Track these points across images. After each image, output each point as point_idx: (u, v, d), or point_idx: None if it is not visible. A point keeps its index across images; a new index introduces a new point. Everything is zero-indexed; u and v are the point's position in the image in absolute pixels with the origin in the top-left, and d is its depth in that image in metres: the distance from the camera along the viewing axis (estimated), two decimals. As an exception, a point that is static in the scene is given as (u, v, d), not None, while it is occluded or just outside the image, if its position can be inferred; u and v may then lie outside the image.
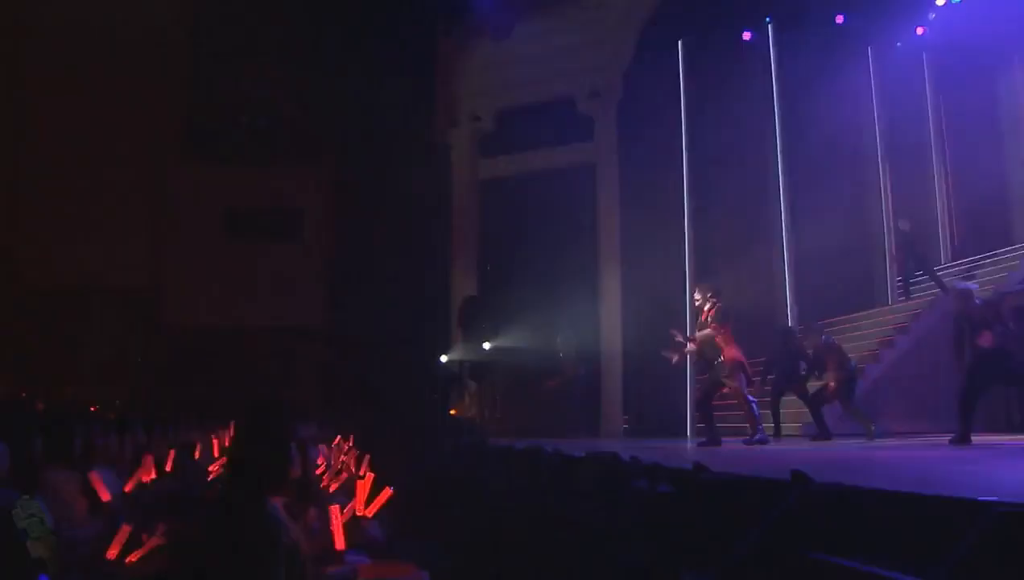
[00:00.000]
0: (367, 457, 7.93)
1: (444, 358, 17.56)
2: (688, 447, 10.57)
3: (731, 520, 4.13)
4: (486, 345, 16.86)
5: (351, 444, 10.41)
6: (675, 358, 10.66)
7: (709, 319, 10.00)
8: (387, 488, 5.92)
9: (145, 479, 6.21)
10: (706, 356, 10.15)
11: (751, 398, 9.86)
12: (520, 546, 6.64)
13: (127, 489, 5.88)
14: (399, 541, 5.86)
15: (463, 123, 18.49)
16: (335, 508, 4.73)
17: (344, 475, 7.00)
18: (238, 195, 21.11)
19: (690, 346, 10.32)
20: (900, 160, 15.88)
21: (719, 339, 9.83)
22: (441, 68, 18.94)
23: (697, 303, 10.36)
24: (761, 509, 3.91)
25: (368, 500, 5.80)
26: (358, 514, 5.52)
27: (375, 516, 5.69)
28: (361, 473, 6.62)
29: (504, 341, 16.62)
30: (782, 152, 15.50)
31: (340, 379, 18.57)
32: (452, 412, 16.99)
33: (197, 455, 8.22)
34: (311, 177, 21.35)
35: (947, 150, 16.21)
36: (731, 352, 9.81)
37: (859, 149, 16.10)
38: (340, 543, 4.61)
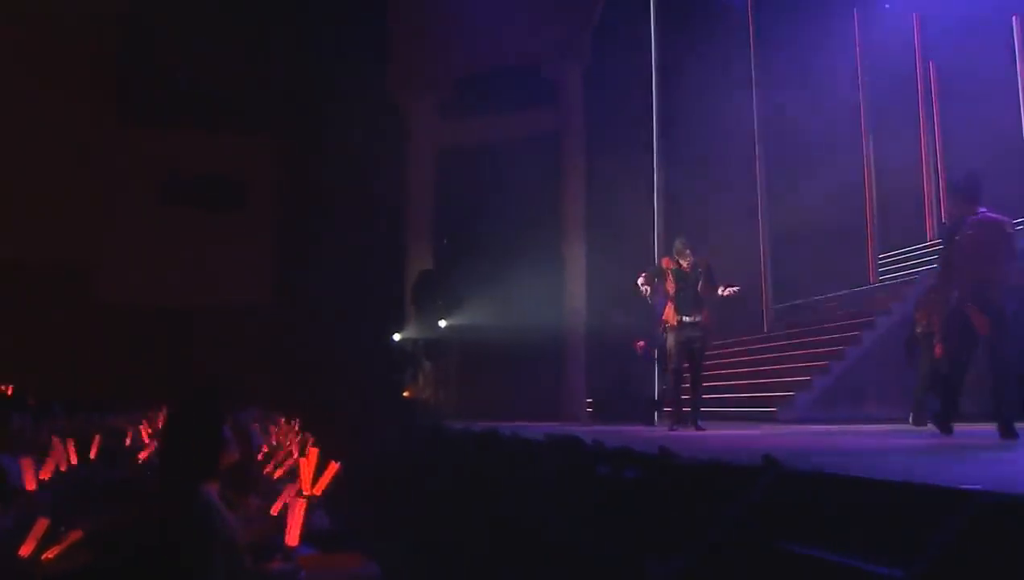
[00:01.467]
0: (311, 439, 7.87)
1: (397, 336, 17.49)
2: (655, 431, 10.60)
3: (699, 507, 4.13)
4: (442, 323, 16.82)
5: (297, 427, 10.33)
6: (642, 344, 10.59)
7: (701, 270, 9.72)
8: (332, 463, 5.86)
9: (63, 467, 6.09)
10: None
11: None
12: (477, 534, 6.63)
13: (43, 478, 5.75)
14: (347, 530, 5.81)
15: (419, 87, 18.33)
16: (300, 503, 4.63)
17: (289, 462, 6.93)
18: (177, 162, 20.78)
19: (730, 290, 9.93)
20: (886, 130, 15.91)
21: (703, 291, 9.66)
22: (396, 27, 18.73)
23: (676, 253, 10.02)
24: (731, 496, 3.92)
25: (314, 479, 5.74)
26: (306, 494, 5.46)
27: (321, 504, 5.63)
28: (306, 452, 6.54)
29: (461, 318, 16.58)
30: (760, 121, 15.51)
31: (287, 359, 18.43)
32: (405, 394, 16.95)
33: (128, 442, 8.09)
34: (257, 143, 21.07)
35: (937, 120, 16.22)
36: (708, 314, 9.72)
37: (842, 118, 16.11)
38: (294, 538, 4.53)
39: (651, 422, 12.53)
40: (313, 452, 6.01)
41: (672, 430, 9.83)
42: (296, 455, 7.11)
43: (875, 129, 15.87)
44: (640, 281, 10.03)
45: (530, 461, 6.70)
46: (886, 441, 7.50)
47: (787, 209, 14.96)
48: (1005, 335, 7.13)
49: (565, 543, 5.13)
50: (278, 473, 6.65)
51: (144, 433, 8.66)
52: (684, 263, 9.80)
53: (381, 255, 18.23)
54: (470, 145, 17.82)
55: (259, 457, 6.20)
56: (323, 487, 5.75)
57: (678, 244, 10.02)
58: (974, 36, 14.92)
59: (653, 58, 15.90)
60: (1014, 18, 14.48)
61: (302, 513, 4.31)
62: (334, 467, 5.83)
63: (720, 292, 9.73)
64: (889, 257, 15.42)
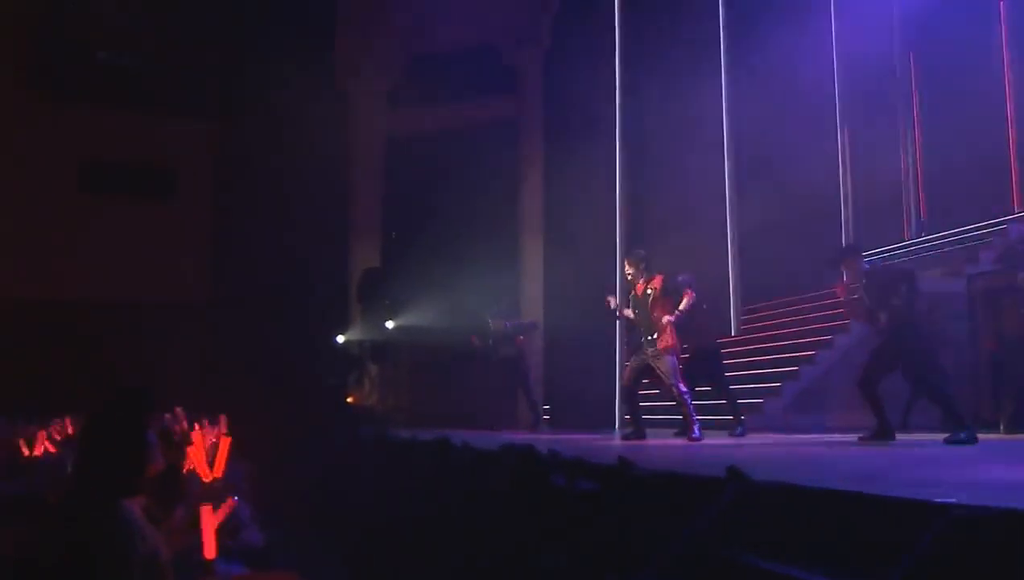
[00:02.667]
0: (222, 421, 7.74)
1: (341, 338, 17.39)
2: (613, 440, 10.64)
3: (659, 521, 4.14)
4: (389, 324, 16.75)
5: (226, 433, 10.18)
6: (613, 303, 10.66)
7: (650, 293, 9.89)
8: (224, 439, 5.81)
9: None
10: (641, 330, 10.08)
11: (683, 389, 9.88)
12: (425, 550, 6.61)
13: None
14: (281, 547, 5.76)
15: (368, 71, 18.23)
16: (206, 509, 4.57)
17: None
18: (97, 145, 20.32)
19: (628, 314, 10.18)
20: (862, 121, 16.01)
21: (658, 314, 9.79)
22: (343, 6, 18.62)
23: (629, 276, 10.27)
24: (693, 509, 3.93)
25: (210, 460, 5.68)
26: (206, 480, 5.39)
27: (254, 518, 5.57)
28: (211, 438, 6.42)
29: (409, 319, 16.53)
30: (728, 111, 15.61)
31: (220, 362, 18.21)
32: (349, 399, 16.87)
33: (40, 451, 7.94)
34: (187, 127, 20.74)
35: (917, 114, 16.37)
36: (671, 338, 9.81)
37: (816, 108, 16.18)
38: (211, 551, 4.46)
39: (612, 430, 12.57)
40: (198, 437, 5.94)
41: (627, 439, 9.89)
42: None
43: (851, 123, 16.02)
44: (611, 305, 10.25)
45: (482, 472, 6.68)
46: (858, 450, 7.59)
47: (757, 206, 15.05)
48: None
49: (518, 559, 5.12)
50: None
51: (47, 442, 8.49)
52: (637, 287, 9.98)
53: (324, 250, 18.08)
54: (421, 134, 17.76)
55: (187, 466, 6.12)
56: (222, 466, 5.69)
57: (629, 262, 10.17)
58: (957, 25, 15.10)
59: (617, 44, 15.95)
60: (1001, 4, 14.68)
61: (213, 520, 4.25)
62: (226, 442, 5.77)
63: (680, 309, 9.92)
64: (864, 257, 15.55)
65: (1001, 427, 9.97)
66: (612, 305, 10.48)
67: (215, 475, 5.62)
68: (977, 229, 14.14)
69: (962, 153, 14.80)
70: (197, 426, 9.52)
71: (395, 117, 18.19)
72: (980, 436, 7.91)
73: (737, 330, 15.43)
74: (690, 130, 15.98)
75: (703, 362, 11.02)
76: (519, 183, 16.75)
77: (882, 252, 15.02)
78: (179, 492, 4.84)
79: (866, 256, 15.20)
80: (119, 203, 20.46)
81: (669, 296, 9.92)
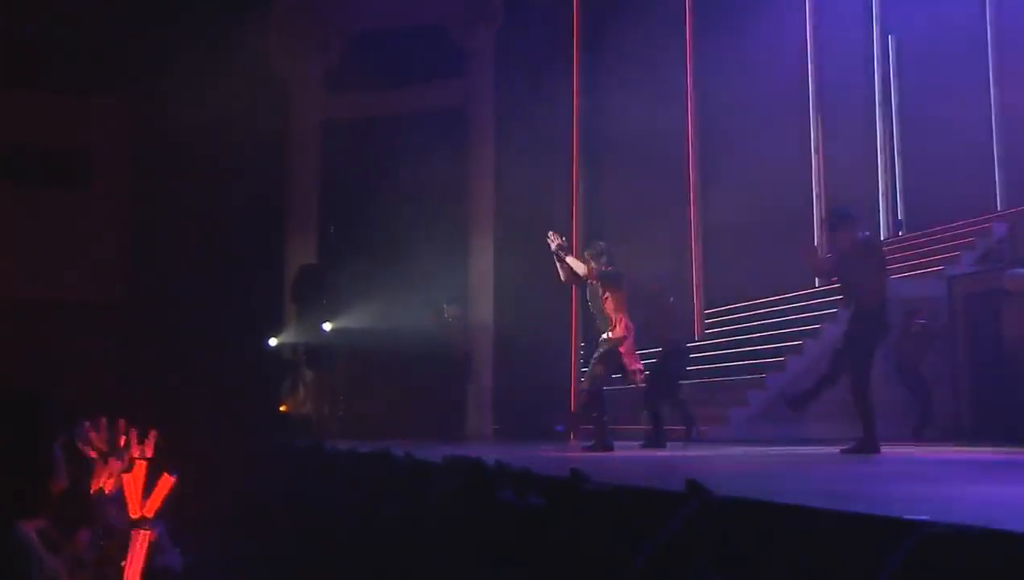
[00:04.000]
0: (151, 437, 7.61)
1: (273, 341, 17.28)
2: (568, 452, 10.66)
3: (614, 539, 4.14)
4: (326, 326, 16.67)
5: (144, 445, 10.04)
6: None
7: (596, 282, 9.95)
8: (166, 476, 5.67)
9: None
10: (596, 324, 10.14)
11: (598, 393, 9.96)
12: (362, 571, 6.57)
13: None
14: (203, 570, 5.69)
15: (305, 50, 18.10)
16: (140, 535, 4.45)
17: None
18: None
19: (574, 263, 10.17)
20: (837, 114, 16.15)
21: (610, 307, 9.84)
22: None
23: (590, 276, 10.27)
24: (650, 526, 3.93)
25: (145, 496, 5.56)
26: (133, 516, 5.28)
27: (174, 539, 5.49)
28: (135, 455, 6.30)
29: (349, 321, 16.46)
30: (694, 100, 15.71)
31: (138, 368, 17.98)
32: (282, 408, 16.76)
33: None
34: (102, 107, 20.40)
35: (895, 102, 16.51)
36: (621, 329, 9.84)
37: (787, 100, 16.31)
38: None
39: (567, 440, 12.60)
40: (140, 466, 5.80)
41: (586, 450, 9.92)
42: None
43: (825, 112, 16.16)
44: (554, 242, 10.25)
45: (425, 486, 6.66)
46: (827, 464, 7.67)
47: (723, 201, 15.15)
48: None
49: (461, 578, 5.10)
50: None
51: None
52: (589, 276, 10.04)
53: (256, 246, 17.93)
54: (362, 120, 17.69)
55: (96, 483, 6.00)
56: (157, 506, 5.57)
57: (588, 254, 10.19)
58: (941, 7, 15.28)
59: (576, 25, 15.99)
60: None
61: (145, 549, 4.16)
62: (168, 481, 5.64)
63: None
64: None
65: (963, 438, 10.04)
66: (555, 243, 10.24)
67: (145, 514, 5.48)
68: (958, 229, 14.32)
69: (943, 147, 14.97)
70: (124, 440, 9.37)
71: (334, 102, 18.09)
72: (953, 446, 8.06)
73: (701, 333, 15.53)
74: (653, 119, 16.02)
75: (672, 362, 11.08)
76: (468, 174, 16.71)
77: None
78: (83, 515, 4.73)
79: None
80: (24, 190, 20.06)
81: (620, 290, 9.97)
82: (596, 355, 9.95)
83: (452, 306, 14.88)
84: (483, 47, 16.84)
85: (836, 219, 9.50)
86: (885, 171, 16.50)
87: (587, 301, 10.24)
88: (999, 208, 14.44)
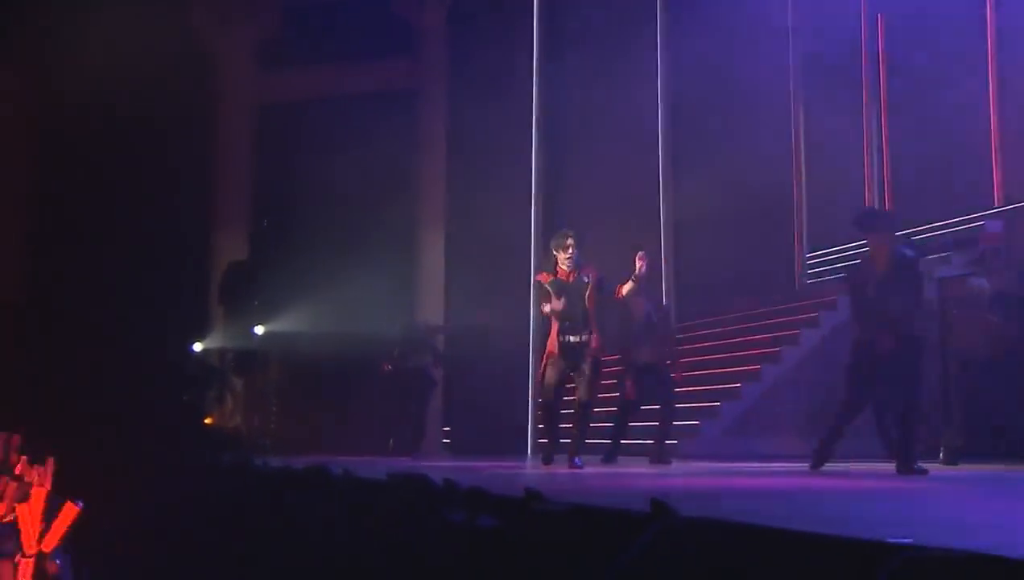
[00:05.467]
0: (49, 465, 7.52)
1: (198, 346, 17.19)
2: (524, 468, 10.71)
3: (571, 563, 4.16)
4: (258, 329, 16.62)
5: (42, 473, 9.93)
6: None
7: (587, 280, 9.71)
8: (70, 505, 5.60)
9: None
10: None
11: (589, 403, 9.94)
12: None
13: None
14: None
15: (236, 24, 18.03)
16: (26, 565, 4.44)
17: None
18: None
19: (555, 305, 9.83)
20: (820, 99, 16.19)
21: (592, 312, 9.73)
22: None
23: (564, 257, 9.90)
24: (611, 549, 3.96)
25: (44, 528, 5.49)
26: (28, 552, 5.23)
27: (72, 567, 5.44)
28: (29, 480, 6.22)
29: (283, 324, 16.43)
30: (663, 84, 15.76)
31: (43, 376, 17.80)
32: (207, 420, 16.68)
33: None
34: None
35: (884, 87, 16.56)
36: (599, 339, 9.77)
37: (766, 82, 16.31)
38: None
39: (523, 456, 12.63)
40: (39, 494, 5.72)
41: (546, 465, 9.96)
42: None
43: (807, 97, 16.21)
44: (545, 310, 9.89)
45: (366, 506, 6.66)
46: (804, 482, 7.74)
47: (694, 194, 15.21)
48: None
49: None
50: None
51: None
52: (565, 267, 9.74)
53: (179, 241, 17.81)
54: (300, 102, 17.67)
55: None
56: (58, 539, 5.51)
57: (559, 239, 9.87)
58: None
59: (536, 1, 16.04)
60: None
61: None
62: (72, 511, 5.57)
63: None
64: (819, 257, 15.83)
65: (941, 456, 10.05)
66: (548, 307, 10.00)
67: (43, 548, 5.41)
68: (950, 226, 14.42)
69: (934, 139, 15.06)
70: (22, 465, 9.25)
71: (268, 81, 18.05)
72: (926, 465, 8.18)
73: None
74: (619, 105, 16.07)
75: (657, 379, 11.08)
76: (418, 161, 16.74)
77: (839, 250, 15.28)
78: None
79: (820, 254, 15.67)
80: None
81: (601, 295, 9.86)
82: (588, 365, 9.70)
83: (427, 321, 14.91)
84: (435, 25, 16.86)
85: (871, 222, 8.92)
86: (871, 163, 16.56)
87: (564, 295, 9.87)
88: (996, 204, 14.58)
